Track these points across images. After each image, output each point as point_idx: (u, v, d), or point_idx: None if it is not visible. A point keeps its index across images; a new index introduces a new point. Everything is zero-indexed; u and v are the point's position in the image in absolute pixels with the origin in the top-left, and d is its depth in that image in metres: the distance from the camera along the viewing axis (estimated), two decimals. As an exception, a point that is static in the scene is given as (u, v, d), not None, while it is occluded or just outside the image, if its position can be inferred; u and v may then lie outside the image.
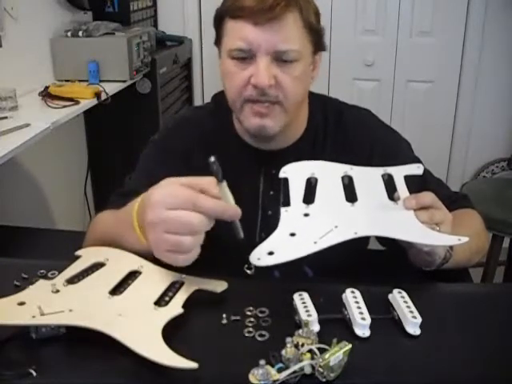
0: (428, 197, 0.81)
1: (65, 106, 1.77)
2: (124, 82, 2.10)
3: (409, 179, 0.85)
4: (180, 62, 2.64)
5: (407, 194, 0.83)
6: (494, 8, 2.58)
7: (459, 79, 2.73)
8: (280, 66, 0.89)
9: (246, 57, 0.89)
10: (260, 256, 0.72)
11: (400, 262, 0.98)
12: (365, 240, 1.08)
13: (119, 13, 2.40)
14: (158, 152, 1.05)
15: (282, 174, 0.87)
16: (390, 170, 0.87)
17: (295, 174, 0.86)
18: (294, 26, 0.88)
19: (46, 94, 1.84)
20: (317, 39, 0.95)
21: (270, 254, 0.73)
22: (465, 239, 0.77)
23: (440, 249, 0.84)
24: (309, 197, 0.82)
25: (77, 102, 1.81)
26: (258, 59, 0.88)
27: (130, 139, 2.24)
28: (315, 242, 0.74)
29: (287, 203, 0.82)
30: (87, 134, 2.49)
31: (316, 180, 0.85)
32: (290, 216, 0.80)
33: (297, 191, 0.84)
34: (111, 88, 1.99)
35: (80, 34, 2.07)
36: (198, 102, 2.91)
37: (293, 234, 0.76)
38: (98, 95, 1.89)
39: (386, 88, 2.81)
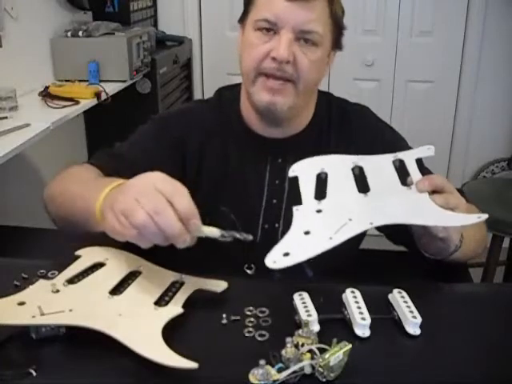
0: (440, 179, 0.81)
1: (65, 106, 1.77)
2: (124, 82, 2.10)
3: None
4: (180, 62, 2.64)
5: (420, 177, 0.81)
6: (494, 8, 2.58)
7: (459, 79, 2.73)
8: (301, 46, 0.91)
9: (269, 28, 0.91)
10: (275, 259, 0.69)
11: (400, 262, 0.98)
12: (360, 236, 1.08)
13: (119, 13, 2.40)
14: (156, 129, 1.05)
15: (291, 173, 0.85)
16: (401, 155, 0.85)
17: (304, 171, 0.84)
18: (322, 11, 0.92)
19: (46, 94, 1.84)
20: (337, 35, 0.98)
21: (286, 255, 0.70)
22: (485, 216, 0.76)
23: (454, 235, 0.83)
24: (320, 192, 0.81)
25: (77, 102, 1.81)
26: (281, 34, 0.90)
27: (130, 139, 2.24)
28: (331, 238, 0.72)
29: (299, 202, 0.81)
30: (87, 134, 2.49)
31: (326, 175, 0.84)
32: (303, 214, 0.78)
33: (307, 188, 0.81)
34: (111, 88, 1.99)
35: (80, 33, 2.07)
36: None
37: (307, 233, 0.74)
38: (98, 95, 1.89)
39: (386, 88, 2.80)
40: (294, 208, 0.79)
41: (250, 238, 0.72)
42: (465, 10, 2.62)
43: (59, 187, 0.92)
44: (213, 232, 0.71)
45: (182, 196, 0.67)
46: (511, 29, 2.61)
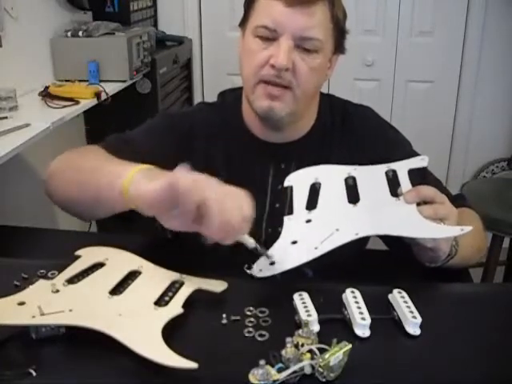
0: (429, 190, 0.81)
1: (65, 106, 1.77)
2: (124, 81, 2.10)
3: (410, 177, 0.85)
4: (180, 62, 2.64)
5: (410, 187, 0.82)
6: (494, 8, 2.58)
7: (459, 79, 2.73)
8: (300, 53, 0.90)
9: (269, 37, 0.90)
10: (262, 267, 0.74)
11: (400, 261, 0.97)
12: (364, 239, 1.08)
13: (119, 13, 2.40)
14: (166, 123, 1.05)
15: (286, 183, 0.87)
16: (394, 165, 0.86)
17: (299, 181, 0.86)
18: (322, 16, 0.90)
19: (46, 94, 1.83)
20: (339, 39, 0.97)
21: (272, 264, 0.74)
22: (468, 229, 0.77)
23: (444, 244, 0.83)
24: (312, 203, 0.82)
25: (77, 102, 1.81)
26: (280, 41, 0.89)
27: (130, 139, 2.24)
28: (316, 248, 0.74)
29: (291, 212, 0.82)
30: (87, 134, 2.49)
31: (320, 185, 0.85)
32: (293, 224, 0.81)
33: (300, 199, 0.84)
34: (111, 88, 1.99)
35: (80, 33, 2.07)
36: (198, 102, 2.90)
37: (294, 242, 0.76)
38: (98, 95, 1.89)
39: (386, 88, 2.80)
40: (286, 218, 0.82)
41: (273, 260, 0.75)
42: (465, 10, 2.62)
43: (73, 163, 0.90)
44: (248, 241, 0.75)
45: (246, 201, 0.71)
46: (511, 29, 2.61)
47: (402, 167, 0.86)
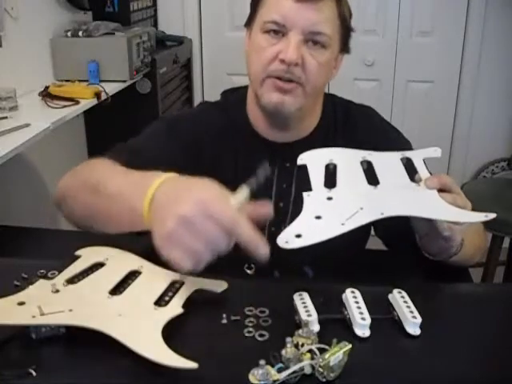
0: (448, 178, 0.82)
1: (65, 106, 1.77)
2: (124, 82, 2.10)
3: None
4: (180, 62, 2.64)
5: (428, 175, 0.82)
6: (494, 8, 2.58)
7: (459, 79, 2.73)
8: (309, 48, 0.91)
9: (278, 31, 0.90)
10: (287, 239, 0.70)
11: (400, 261, 0.98)
12: (364, 237, 1.08)
13: (119, 13, 2.40)
14: (168, 129, 1.03)
15: (299, 161, 0.86)
16: (409, 153, 0.86)
17: (313, 160, 0.85)
18: (330, 12, 0.92)
19: (46, 94, 1.84)
20: (345, 37, 0.98)
21: (298, 236, 0.71)
22: (492, 215, 0.76)
23: (458, 235, 0.84)
24: (329, 182, 0.82)
25: (77, 102, 1.81)
26: (290, 36, 0.89)
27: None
28: (343, 224, 0.72)
29: (308, 189, 0.81)
30: (87, 134, 2.49)
31: (335, 166, 0.84)
32: (313, 200, 0.78)
33: (317, 176, 0.82)
34: (111, 88, 2.00)
35: (80, 33, 2.07)
36: (198, 101, 2.91)
37: (318, 217, 0.74)
38: (98, 95, 1.89)
39: (386, 88, 2.81)
40: (305, 194, 0.79)
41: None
42: (465, 10, 2.62)
43: (87, 183, 0.86)
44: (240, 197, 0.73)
45: (242, 227, 0.65)
46: (511, 29, 2.61)
47: (417, 156, 0.86)
